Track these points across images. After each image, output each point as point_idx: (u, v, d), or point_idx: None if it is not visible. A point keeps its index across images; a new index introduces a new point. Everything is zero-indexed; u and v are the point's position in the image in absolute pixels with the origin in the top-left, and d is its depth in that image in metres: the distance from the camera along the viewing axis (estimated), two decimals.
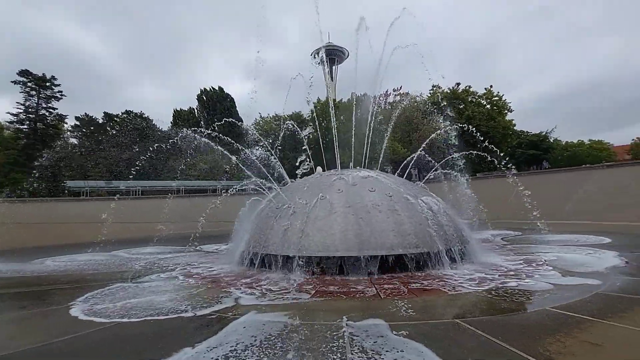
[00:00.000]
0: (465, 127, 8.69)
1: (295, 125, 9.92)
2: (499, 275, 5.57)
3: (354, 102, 10.27)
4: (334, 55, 76.52)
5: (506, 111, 39.19)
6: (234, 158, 8.62)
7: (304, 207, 6.84)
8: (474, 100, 37.09)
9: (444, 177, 9.85)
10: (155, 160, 32.02)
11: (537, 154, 45.89)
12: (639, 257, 6.65)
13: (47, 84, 28.29)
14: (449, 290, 4.77)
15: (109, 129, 35.42)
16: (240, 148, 9.38)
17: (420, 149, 8.99)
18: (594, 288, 4.62)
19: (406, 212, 6.54)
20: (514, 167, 8.83)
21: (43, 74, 28.10)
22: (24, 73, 27.34)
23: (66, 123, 31.93)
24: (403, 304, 4.14)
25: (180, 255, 9.90)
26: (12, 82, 27.32)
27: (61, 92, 28.88)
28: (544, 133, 47.33)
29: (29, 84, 27.76)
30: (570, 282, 5.01)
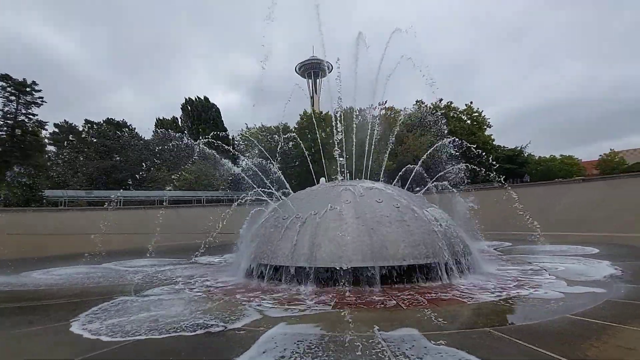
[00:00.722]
0: (468, 144, 8.98)
1: (298, 139, 9.95)
2: (509, 285, 5.74)
3: (356, 115, 10.44)
4: (318, 68, 78.12)
5: (485, 126, 40.99)
6: (237, 169, 8.54)
7: (314, 218, 6.83)
8: (455, 115, 38.58)
9: (436, 190, 10.11)
10: (139, 170, 31.10)
11: (513, 168, 47.88)
12: (632, 266, 7.04)
13: (28, 89, 27.00)
14: (467, 300, 4.87)
15: (89, 137, 34.12)
16: (241, 158, 9.32)
17: (419, 164, 9.22)
18: (603, 296, 4.85)
19: (414, 223, 6.65)
20: (500, 181, 9.25)
21: (24, 79, 26.81)
22: (3, 77, 25.95)
23: (46, 130, 30.52)
24: (428, 314, 4.19)
25: (176, 267, 9.58)
26: None
27: (42, 98, 27.65)
28: (519, 148, 49.55)
29: (9, 89, 26.42)
30: (578, 291, 5.23)
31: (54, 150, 33.84)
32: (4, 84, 26.05)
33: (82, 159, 30.64)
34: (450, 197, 10.69)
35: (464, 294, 5.25)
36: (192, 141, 8.94)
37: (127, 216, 21.39)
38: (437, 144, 9.83)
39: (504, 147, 43.43)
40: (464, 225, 10.22)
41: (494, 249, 10.88)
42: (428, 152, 9.38)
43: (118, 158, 33.87)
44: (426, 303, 4.77)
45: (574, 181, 24.52)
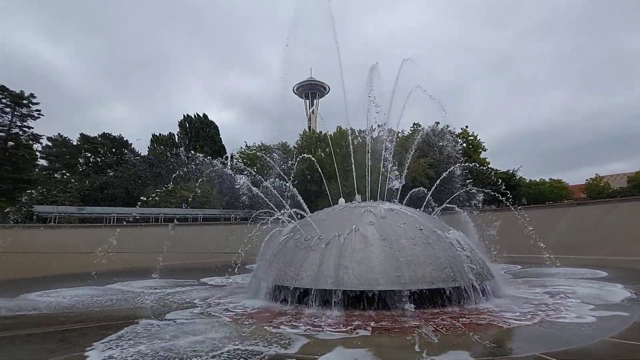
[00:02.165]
0: (479, 166, 9.23)
1: (314, 160, 10.05)
2: (536, 309, 5.79)
3: (355, 136, 10.65)
4: (315, 90, 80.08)
5: (480, 150, 42.01)
6: (255, 190, 8.54)
7: (338, 239, 6.83)
8: (451, 138, 39.41)
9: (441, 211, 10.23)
10: (134, 186, 30.61)
11: (506, 191, 48.79)
12: None
13: (25, 101, 26.71)
14: (503, 325, 4.88)
15: (84, 152, 33.64)
16: (260, 178, 9.32)
17: (435, 186, 9.38)
18: (629, 319, 5.00)
19: (439, 246, 6.72)
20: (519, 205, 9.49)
21: (21, 91, 26.46)
22: None
23: (40, 143, 29.93)
24: (471, 339, 4.20)
25: (187, 289, 9.29)
26: None
27: (39, 111, 27.14)
28: (511, 171, 50.77)
29: (4, 101, 26.03)
30: (603, 314, 5.32)
31: (46, 164, 33.16)
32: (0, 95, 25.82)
33: (75, 174, 30.04)
34: (458, 219, 10.84)
35: (496, 317, 5.27)
36: (211, 160, 8.94)
37: (123, 234, 20.83)
38: (452, 168, 10.04)
39: (496, 170, 44.44)
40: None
41: (504, 272, 10.94)
42: (443, 175, 9.58)
43: (112, 173, 33.27)
44: (463, 328, 4.76)
45: (568, 205, 25.19)
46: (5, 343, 4.90)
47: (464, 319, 5.24)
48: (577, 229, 20.23)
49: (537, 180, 56.08)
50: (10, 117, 26.67)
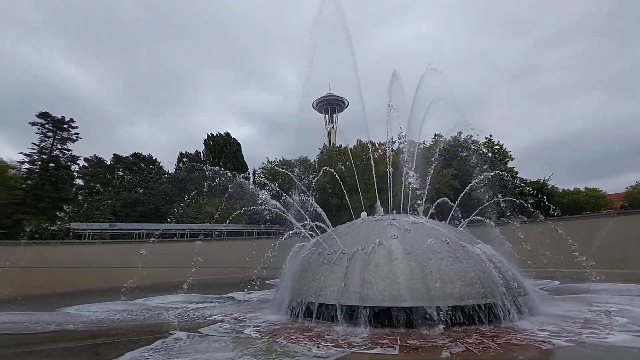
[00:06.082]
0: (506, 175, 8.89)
1: (334, 173, 10.06)
2: (578, 328, 5.39)
3: (376, 148, 10.57)
4: (334, 104, 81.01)
5: (507, 159, 40.42)
6: (276, 203, 8.61)
7: (362, 254, 6.72)
8: (476, 148, 38.15)
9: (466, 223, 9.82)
10: (162, 203, 31.74)
11: (540, 200, 46.27)
12: None
13: (65, 126, 28.90)
14: (541, 345, 4.57)
15: (117, 171, 35.62)
16: (281, 193, 9.40)
17: (461, 196, 9.11)
18: None
19: (467, 260, 6.45)
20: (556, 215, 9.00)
21: (62, 116, 28.87)
22: (43, 115, 28.05)
23: (78, 164, 32.07)
24: (506, 359, 3.95)
25: (213, 304, 9.43)
26: (30, 123, 28.05)
27: (78, 134, 29.42)
28: (542, 180, 48.35)
29: (47, 126, 28.30)
30: None
31: (82, 183, 35.28)
32: (43, 120, 28.07)
33: (107, 191, 31.72)
34: (487, 231, 10.39)
35: (533, 337, 4.94)
36: (240, 178, 9.16)
37: (151, 250, 21.45)
38: (481, 177, 9.67)
39: (526, 179, 42.49)
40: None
41: (540, 288, 10.30)
42: (470, 184, 9.29)
43: (142, 191, 34.73)
44: (497, 348, 4.51)
45: (608, 215, 23.54)
46: (43, 357, 5.13)
47: (497, 339, 4.95)
48: (619, 241, 18.85)
49: (571, 189, 53.04)
50: (51, 140, 28.75)
